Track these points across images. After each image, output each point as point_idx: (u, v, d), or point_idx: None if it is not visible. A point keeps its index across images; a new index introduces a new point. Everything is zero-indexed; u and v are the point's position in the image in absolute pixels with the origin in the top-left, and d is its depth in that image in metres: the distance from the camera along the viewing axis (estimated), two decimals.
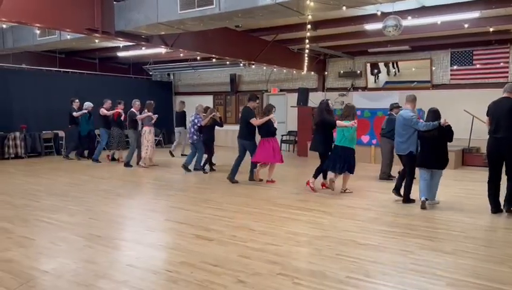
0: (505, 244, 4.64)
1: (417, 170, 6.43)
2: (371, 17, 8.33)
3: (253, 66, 13.94)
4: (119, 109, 11.00)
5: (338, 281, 3.53)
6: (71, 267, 3.86)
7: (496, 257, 4.16)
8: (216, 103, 16.60)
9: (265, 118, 8.04)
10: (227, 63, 13.99)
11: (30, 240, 4.69)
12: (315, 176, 7.50)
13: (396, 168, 8.84)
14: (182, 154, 12.68)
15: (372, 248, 4.42)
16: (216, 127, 9.80)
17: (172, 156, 12.32)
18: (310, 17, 7.09)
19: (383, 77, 13.36)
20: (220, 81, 16.74)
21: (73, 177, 9.00)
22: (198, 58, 14.11)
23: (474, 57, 11.77)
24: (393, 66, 13.11)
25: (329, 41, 11.28)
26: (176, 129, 13.26)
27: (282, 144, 14.07)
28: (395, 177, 8.72)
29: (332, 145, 7.40)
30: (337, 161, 7.16)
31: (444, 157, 6.20)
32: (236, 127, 15.52)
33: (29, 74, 13.08)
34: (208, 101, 15.43)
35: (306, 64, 11.87)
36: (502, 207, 5.87)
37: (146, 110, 10.28)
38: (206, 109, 10.05)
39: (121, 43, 10.89)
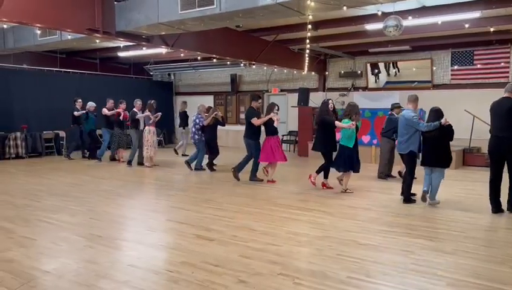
0: (505, 245, 4.64)
1: (418, 171, 6.44)
2: (372, 17, 8.33)
3: (254, 66, 13.94)
4: (121, 108, 11.04)
5: (339, 281, 3.54)
6: (72, 267, 3.87)
7: (496, 257, 4.16)
8: (217, 103, 16.60)
9: (265, 118, 8.06)
10: (228, 63, 14.01)
11: (31, 240, 4.69)
12: (317, 172, 7.60)
13: (397, 168, 8.87)
14: (182, 155, 12.70)
15: (372, 248, 4.42)
16: (218, 127, 9.84)
17: (177, 153, 12.44)
18: (310, 17, 7.09)
19: (383, 77, 13.36)
20: (221, 81, 16.74)
21: (74, 177, 9.01)
22: (198, 58, 14.11)
23: (475, 57, 11.76)
24: (393, 66, 13.10)
25: (329, 41, 11.28)
26: (179, 129, 13.37)
27: (283, 144, 14.07)
28: (395, 177, 8.75)
29: (333, 145, 7.47)
30: (337, 159, 7.26)
31: (444, 157, 6.22)
32: (237, 127, 15.80)
33: (30, 74, 13.11)
34: (208, 101, 15.43)
35: (307, 64, 11.86)
36: (502, 207, 5.89)
37: (147, 110, 10.32)
38: (208, 109, 10.08)
39: (121, 43, 10.89)
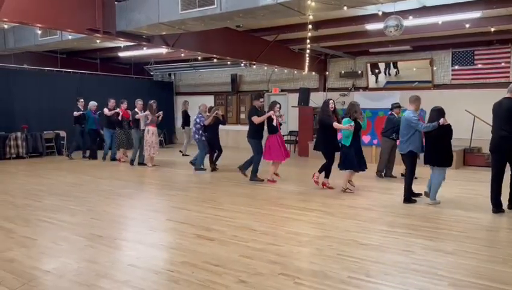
0: (507, 245, 4.64)
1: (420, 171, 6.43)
2: (372, 17, 8.33)
3: (254, 66, 13.94)
4: (122, 108, 11.07)
5: (339, 281, 3.53)
6: (73, 267, 3.87)
7: (497, 257, 4.15)
8: (217, 103, 16.60)
9: (264, 116, 8.08)
10: (228, 63, 14.00)
11: (32, 240, 4.69)
12: (320, 171, 7.62)
13: (397, 168, 8.88)
14: (183, 154, 12.72)
15: (373, 248, 4.42)
16: (220, 126, 9.87)
17: (183, 155, 12.55)
18: (311, 17, 7.09)
19: (383, 77, 13.35)
20: (221, 81, 16.74)
21: (74, 177, 9.01)
22: (199, 58, 14.11)
23: (476, 57, 11.76)
24: (394, 66, 13.09)
25: (330, 41, 11.28)
26: (182, 129, 13.46)
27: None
28: (395, 177, 8.75)
29: (334, 145, 7.49)
30: (339, 158, 7.34)
31: (443, 156, 6.23)
32: (237, 127, 15.81)
33: (31, 74, 13.11)
34: (209, 101, 15.43)
35: (307, 64, 11.86)
36: (503, 207, 5.90)
37: (147, 110, 10.36)
38: (210, 109, 10.10)
39: (122, 43, 10.90)
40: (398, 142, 7.89)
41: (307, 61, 11.71)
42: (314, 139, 8.74)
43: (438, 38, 10.89)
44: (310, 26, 8.25)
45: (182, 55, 12.57)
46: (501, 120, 5.78)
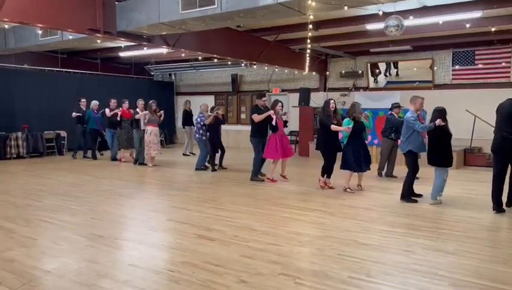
0: (508, 245, 4.64)
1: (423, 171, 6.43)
2: (373, 17, 8.32)
3: (255, 66, 13.93)
4: (124, 108, 11.11)
5: (340, 281, 3.53)
6: (73, 267, 3.87)
7: (498, 257, 4.15)
8: (217, 103, 16.57)
9: (264, 115, 8.09)
10: (229, 63, 13.99)
11: (32, 239, 4.70)
12: (322, 174, 7.64)
13: (398, 168, 8.88)
14: (183, 154, 12.73)
15: (374, 248, 4.41)
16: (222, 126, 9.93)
17: (187, 155, 12.58)
18: (311, 17, 7.07)
19: (383, 78, 13.34)
20: (222, 81, 16.74)
21: (75, 177, 9.02)
22: (199, 58, 14.09)
23: (476, 57, 11.74)
24: (394, 67, 13.09)
25: (330, 41, 11.27)
26: (182, 129, 13.55)
27: None
28: (396, 177, 8.75)
29: (334, 145, 7.52)
30: (341, 158, 7.39)
31: (442, 156, 6.24)
32: (238, 127, 15.82)
33: (31, 74, 13.12)
34: (209, 101, 15.41)
35: (307, 64, 11.84)
36: (503, 207, 5.91)
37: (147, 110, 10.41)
38: (212, 109, 10.10)
39: (122, 43, 10.89)
40: (399, 141, 7.91)
41: (308, 61, 11.70)
42: (315, 139, 8.75)
43: (439, 38, 10.88)
44: (310, 26, 8.24)
45: (183, 55, 12.56)
46: (503, 121, 5.84)
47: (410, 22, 8.02)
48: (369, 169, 7.54)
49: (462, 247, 4.43)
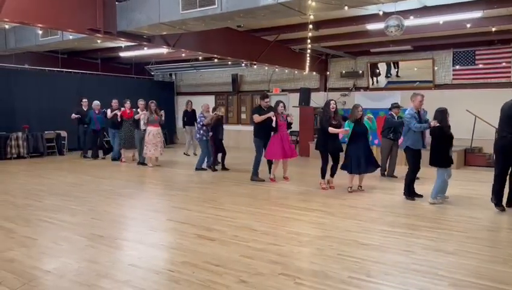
0: (508, 245, 4.63)
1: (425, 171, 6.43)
2: (373, 17, 8.32)
3: (255, 66, 13.92)
4: (126, 108, 11.12)
5: (340, 281, 3.53)
6: (73, 267, 3.87)
7: (499, 257, 4.15)
8: (218, 103, 16.55)
9: (264, 116, 8.10)
10: (229, 63, 13.99)
11: (32, 239, 4.70)
12: (322, 176, 7.63)
13: (399, 168, 8.87)
14: (184, 153, 12.74)
15: (374, 248, 4.41)
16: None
17: (188, 155, 12.57)
18: (311, 17, 7.07)
19: (384, 78, 13.33)
20: (222, 81, 16.74)
21: (75, 177, 9.02)
22: (200, 58, 14.10)
23: (477, 57, 11.74)
24: (394, 67, 13.08)
25: (331, 41, 11.26)
26: (182, 129, 13.59)
27: None
28: (396, 177, 8.74)
29: (335, 145, 7.53)
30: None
31: (441, 157, 6.25)
32: (238, 127, 15.81)
33: (32, 74, 13.12)
34: (209, 101, 15.42)
35: (308, 64, 11.83)
36: (504, 206, 5.94)
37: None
38: (214, 109, 10.09)
39: (123, 43, 10.90)
40: (400, 141, 7.94)
41: (308, 61, 11.69)
42: (315, 139, 8.76)
43: (439, 38, 10.87)
44: (310, 26, 8.24)
45: (183, 55, 12.57)
46: (504, 121, 5.89)
47: (411, 22, 8.02)
48: (374, 170, 7.52)
49: (462, 247, 4.43)
